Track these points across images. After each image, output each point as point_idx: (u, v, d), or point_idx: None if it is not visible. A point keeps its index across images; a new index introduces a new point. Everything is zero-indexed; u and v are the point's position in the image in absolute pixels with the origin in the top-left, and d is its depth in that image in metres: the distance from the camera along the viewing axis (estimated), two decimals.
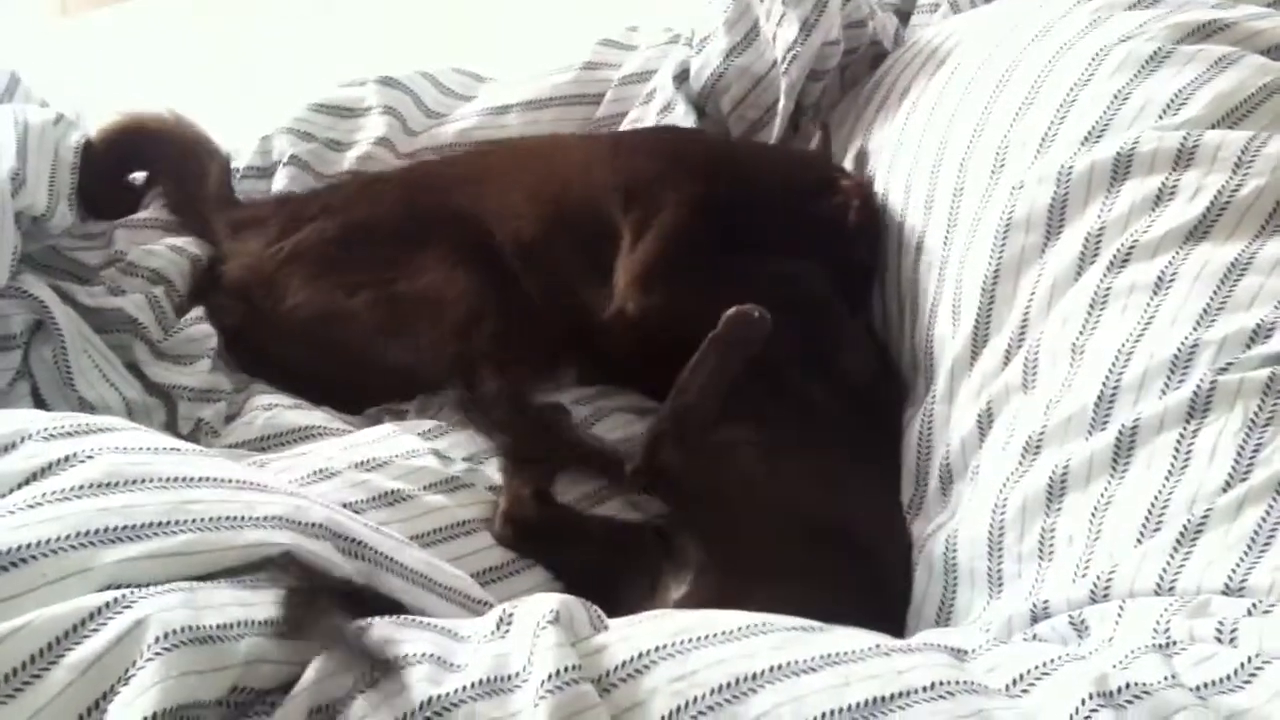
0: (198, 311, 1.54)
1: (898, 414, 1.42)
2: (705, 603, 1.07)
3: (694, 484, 1.27)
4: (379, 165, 1.73)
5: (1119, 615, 0.99)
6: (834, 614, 0.96)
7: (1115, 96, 1.27)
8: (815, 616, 0.94)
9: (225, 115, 1.83)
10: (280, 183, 1.71)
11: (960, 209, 1.35)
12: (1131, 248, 1.18)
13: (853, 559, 1.23)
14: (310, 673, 0.83)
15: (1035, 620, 1.06)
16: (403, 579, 1.04)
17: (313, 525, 0.99)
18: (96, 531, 0.89)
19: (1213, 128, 1.22)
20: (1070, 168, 1.25)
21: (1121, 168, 1.22)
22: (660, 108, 1.80)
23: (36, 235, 1.53)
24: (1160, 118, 1.24)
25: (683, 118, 1.76)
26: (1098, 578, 1.03)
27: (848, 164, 1.63)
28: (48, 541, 0.87)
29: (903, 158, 1.51)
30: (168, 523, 0.92)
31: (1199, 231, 1.16)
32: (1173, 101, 1.25)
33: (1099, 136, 1.26)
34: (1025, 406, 1.20)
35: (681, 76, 1.79)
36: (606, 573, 1.19)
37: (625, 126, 1.81)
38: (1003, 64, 1.42)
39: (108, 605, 0.83)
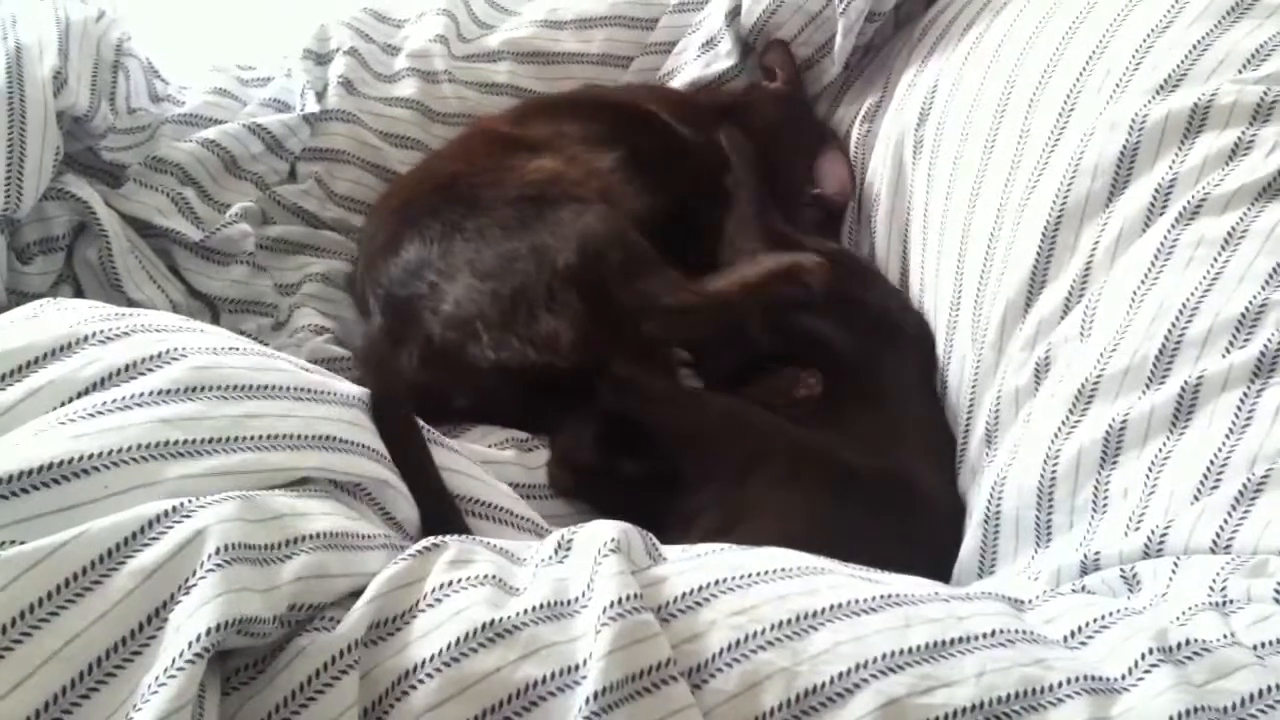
0: (236, 210, 1.52)
1: (925, 356, 1.42)
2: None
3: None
4: (433, 64, 1.75)
5: (1173, 571, 0.98)
6: (883, 561, 0.95)
7: (1194, 46, 1.24)
8: (865, 563, 0.94)
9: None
10: (337, 69, 1.73)
11: (1024, 152, 1.32)
12: (1202, 201, 1.15)
13: (900, 507, 1.23)
14: (374, 587, 0.83)
15: (1085, 572, 1.05)
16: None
17: (367, 446, 0.98)
18: (158, 445, 0.87)
19: None
20: (1144, 116, 1.22)
21: (1197, 119, 1.19)
22: (703, 42, 1.78)
23: (78, 135, 1.50)
24: (1240, 71, 1.21)
25: (724, 56, 1.75)
26: (1152, 532, 1.02)
27: (898, 96, 1.60)
28: (110, 452, 0.86)
29: (962, 95, 1.48)
30: (228, 439, 0.91)
31: (1273, 189, 1.13)
32: (1255, 55, 1.21)
33: (1175, 86, 1.22)
34: (1079, 354, 1.18)
35: (734, 13, 1.77)
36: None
37: (673, 56, 1.80)
38: (1076, 6, 1.38)
39: (166, 514, 0.82)
